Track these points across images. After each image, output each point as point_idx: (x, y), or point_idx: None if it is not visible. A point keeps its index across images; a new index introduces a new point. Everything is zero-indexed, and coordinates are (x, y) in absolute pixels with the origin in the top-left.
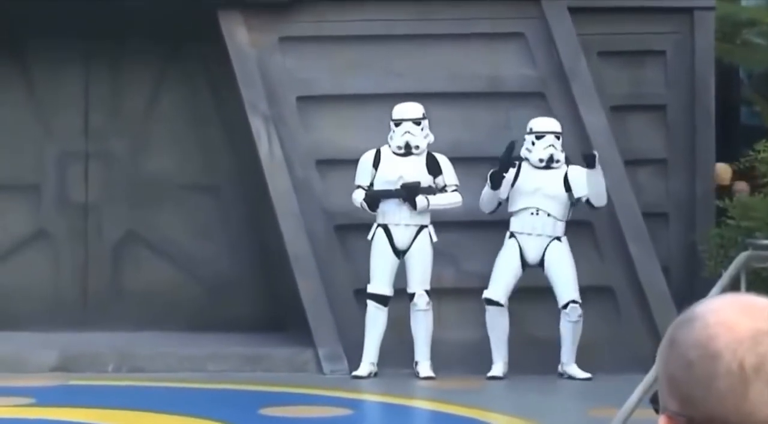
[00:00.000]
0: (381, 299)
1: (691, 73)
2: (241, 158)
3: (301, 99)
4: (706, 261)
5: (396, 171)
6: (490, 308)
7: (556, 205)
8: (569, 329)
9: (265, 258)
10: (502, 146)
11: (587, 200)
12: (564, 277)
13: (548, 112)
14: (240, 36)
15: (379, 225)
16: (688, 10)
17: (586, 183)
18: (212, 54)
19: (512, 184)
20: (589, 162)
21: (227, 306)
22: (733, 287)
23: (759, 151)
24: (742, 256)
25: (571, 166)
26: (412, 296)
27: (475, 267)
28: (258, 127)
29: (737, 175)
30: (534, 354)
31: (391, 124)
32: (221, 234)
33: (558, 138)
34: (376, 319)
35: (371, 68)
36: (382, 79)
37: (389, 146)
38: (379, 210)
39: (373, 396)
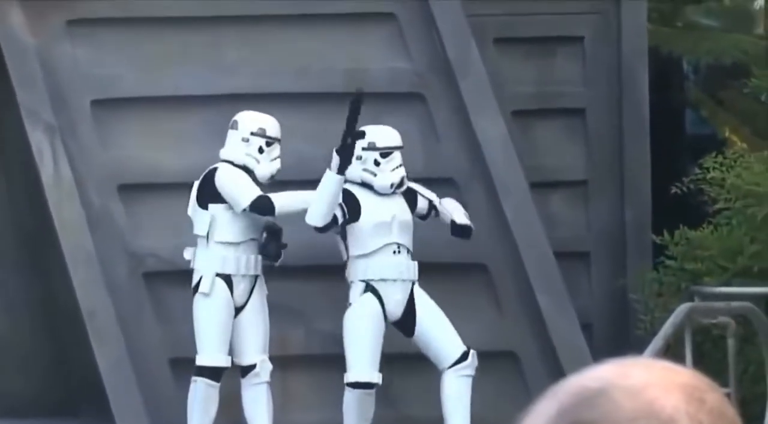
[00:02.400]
0: (216, 374)
1: (618, 67)
2: (15, 183)
3: (97, 103)
4: (641, 315)
5: None
6: (357, 391)
7: (411, 235)
8: (464, 391)
9: (50, 316)
10: None
11: (455, 229)
12: (446, 327)
13: (428, 120)
14: (14, 19)
15: (218, 275)
16: None
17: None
18: None
19: (346, 218)
20: (465, 234)
21: None
22: (674, 351)
23: (708, 169)
24: (683, 308)
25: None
26: (247, 367)
27: (328, 325)
28: (39, 141)
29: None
30: None
31: (257, 140)
32: None
33: (390, 153)
34: (208, 401)
35: (191, 62)
36: (208, 76)
37: (244, 168)
38: (219, 256)
39: None
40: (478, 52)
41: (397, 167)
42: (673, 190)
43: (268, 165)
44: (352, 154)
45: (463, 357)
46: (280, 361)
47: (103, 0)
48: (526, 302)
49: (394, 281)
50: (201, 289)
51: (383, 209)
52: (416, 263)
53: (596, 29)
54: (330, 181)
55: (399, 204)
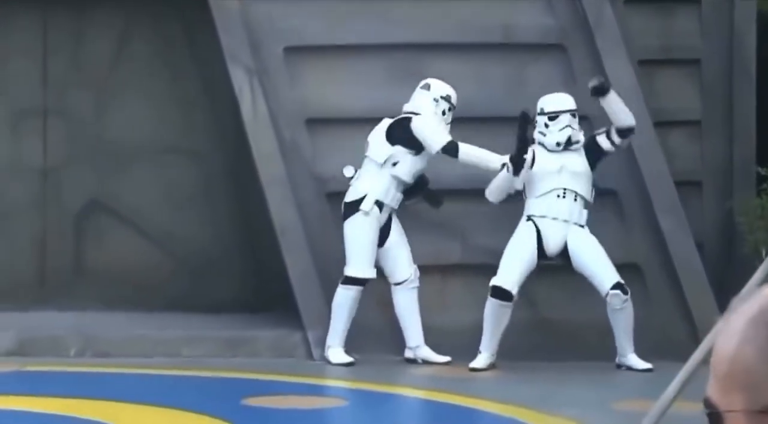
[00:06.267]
0: (363, 283)
1: (730, 23)
2: (221, 117)
3: (288, 50)
4: (746, 236)
5: (426, 162)
6: (494, 301)
7: (584, 183)
8: (616, 317)
9: (249, 231)
10: (517, 105)
11: (621, 133)
12: (599, 261)
13: (568, 67)
14: None
15: (376, 201)
16: None
17: (609, 114)
18: None
19: (528, 169)
20: (598, 91)
21: (205, 284)
22: None
23: None
24: None
25: (588, 139)
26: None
27: (483, 240)
28: (240, 81)
29: None
30: (549, 339)
31: (443, 102)
32: (199, 204)
33: (574, 116)
34: (355, 306)
35: (368, 15)
36: (381, 28)
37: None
38: (385, 185)
39: (370, 385)
40: (612, 10)
41: (563, 128)
42: None
43: (445, 128)
44: (524, 162)
45: (616, 287)
46: (441, 269)
47: None
48: (650, 223)
49: (554, 219)
50: (363, 207)
51: (552, 162)
52: (584, 210)
53: None
54: (503, 178)
55: (572, 157)
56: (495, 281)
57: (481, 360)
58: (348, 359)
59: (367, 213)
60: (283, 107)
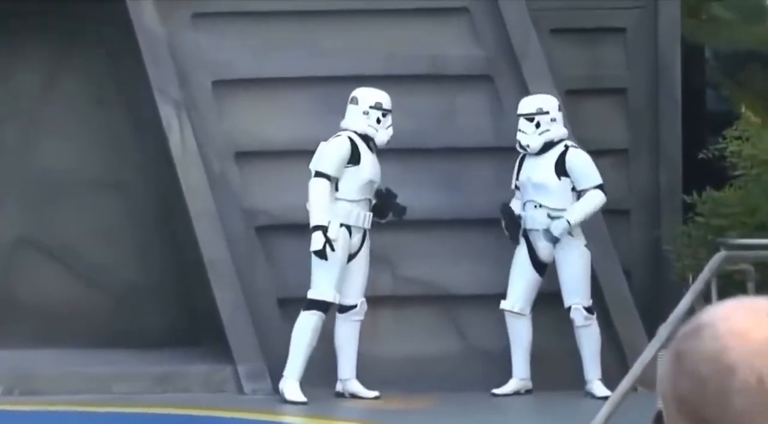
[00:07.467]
0: (326, 308)
1: (655, 53)
2: (149, 150)
3: (217, 83)
4: (673, 263)
5: (372, 170)
6: (508, 315)
7: (550, 195)
8: (580, 337)
9: (178, 264)
10: (447, 135)
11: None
12: (574, 278)
13: (496, 97)
14: (147, 12)
15: (342, 225)
16: None
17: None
18: (116, 32)
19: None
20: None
21: (135, 319)
22: (705, 292)
23: (728, 140)
24: (719, 257)
25: (571, 149)
26: (346, 306)
27: (413, 272)
28: (168, 115)
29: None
30: (483, 370)
31: (373, 111)
32: (128, 237)
33: (530, 120)
34: (316, 331)
35: (297, 48)
36: (310, 61)
37: (365, 137)
38: (344, 210)
39: (302, 419)
40: (538, 41)
41: (516, 132)
42: (700, 156)
43: (384, 132)
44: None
45: (578, 304)
46: (372, 301)
47: None
48: None
49: (537, 230)
50: (329, 235)
51: (524, 171)
52: (558, 219)
53: (637, 22)
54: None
55: (538, 166)
56: (503, 305)
57: (508, 385)
58: (302, 398)
59: (334, 240)
60: (211, 140)
